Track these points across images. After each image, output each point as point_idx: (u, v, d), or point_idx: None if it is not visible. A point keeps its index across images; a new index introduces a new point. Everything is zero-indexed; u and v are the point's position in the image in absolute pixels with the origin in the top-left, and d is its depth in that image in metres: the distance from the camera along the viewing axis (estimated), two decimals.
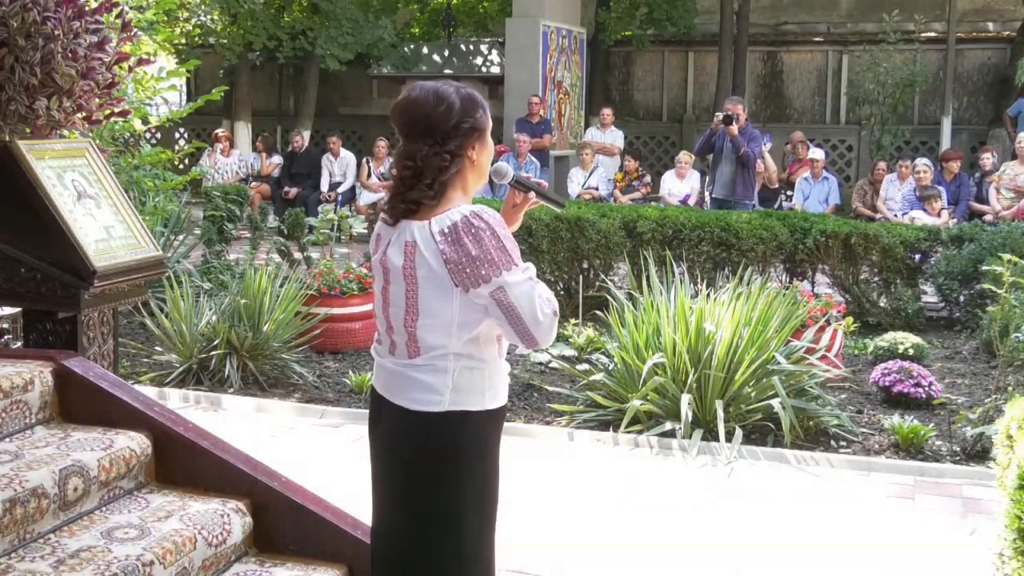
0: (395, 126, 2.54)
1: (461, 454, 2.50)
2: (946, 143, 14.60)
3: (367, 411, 6.16)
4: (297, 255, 8.85)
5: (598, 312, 7.07)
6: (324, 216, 9.42)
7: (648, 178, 13.25)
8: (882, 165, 12.42)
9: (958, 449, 5.27)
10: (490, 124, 2.58)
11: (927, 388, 5.89)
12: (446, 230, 2.42)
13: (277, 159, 14.67)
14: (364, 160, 14.11)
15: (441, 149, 2.46)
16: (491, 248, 2.41)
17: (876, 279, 8.22)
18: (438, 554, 2.52)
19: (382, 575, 2.64)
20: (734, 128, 9.61)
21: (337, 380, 6.44)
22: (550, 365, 6.61)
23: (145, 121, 7.45)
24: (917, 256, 8.12)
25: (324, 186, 13.91)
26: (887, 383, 5.98)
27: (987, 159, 11.73)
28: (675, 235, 8.12)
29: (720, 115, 9.76)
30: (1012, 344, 5.53)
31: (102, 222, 3.79)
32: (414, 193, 2.47)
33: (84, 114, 3.88)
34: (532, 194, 2.74)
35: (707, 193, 10.80)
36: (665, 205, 10.84)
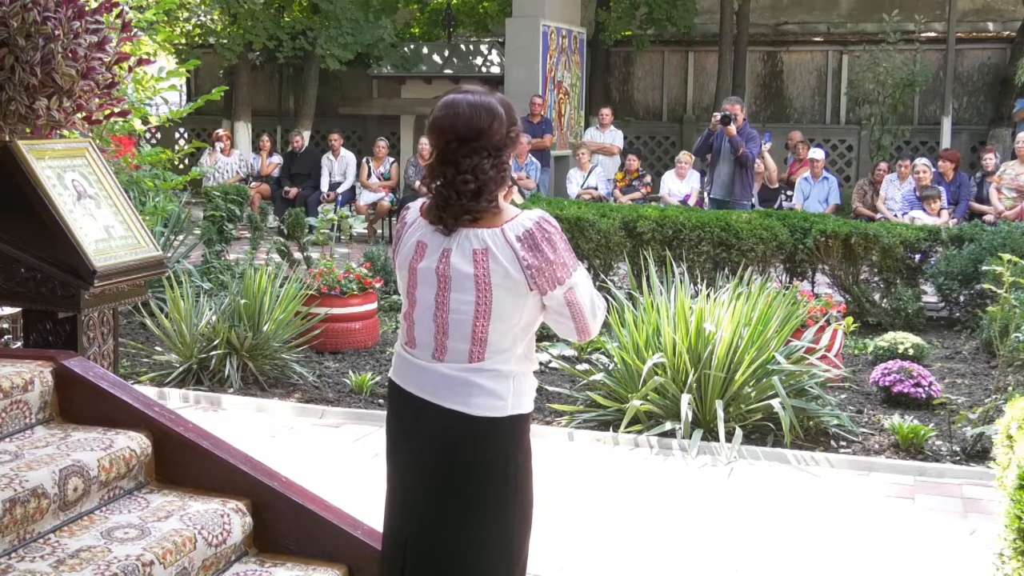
0: (440, 140, 2.53)
1: (516, 456, 2.61)
2: (946, 143, 14.61)
3: (367, 411, 6.18)
4: (297, 255, 8.85)
5: None
6: (324, 216, 9.42)
7: (648, 178, 13.26)
8: (883, 166, 12.42)
9: (958, 449, 5.28)
10: None
11: (927, 388, 5.89)
12: (521, 236, 2.50)
13: (277, 159, 14.67)
14: (364, 160, 14.11)
15: (498, 161, 2.54)
16: (562, 250, 2.53)
17: (876, 279, 8.22)
18: (488, 555, 2.57)
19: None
20: (732, 128, 9.60)
21: (337, 380, 6.44)
22: (550, 365, 6.61)
23: (145, 121, 7.44)
24: (917, 256, 8.13)
25: (324, 186, 13.91)
26: (887, 383, 5.98)
27: (990, 159, 11.73)
28: (675, 235, 8.13)
29: (718, 115, 9.74)
30: (1012, 344, 5.53)
31: (102, 222, 3.79)
32: (480, 204, 2.51)
33: (84, 114, 3.88)
34: (515, 188, 2.85)
35: (705, 193, 10.79)
36: (665, 205, 10.84)
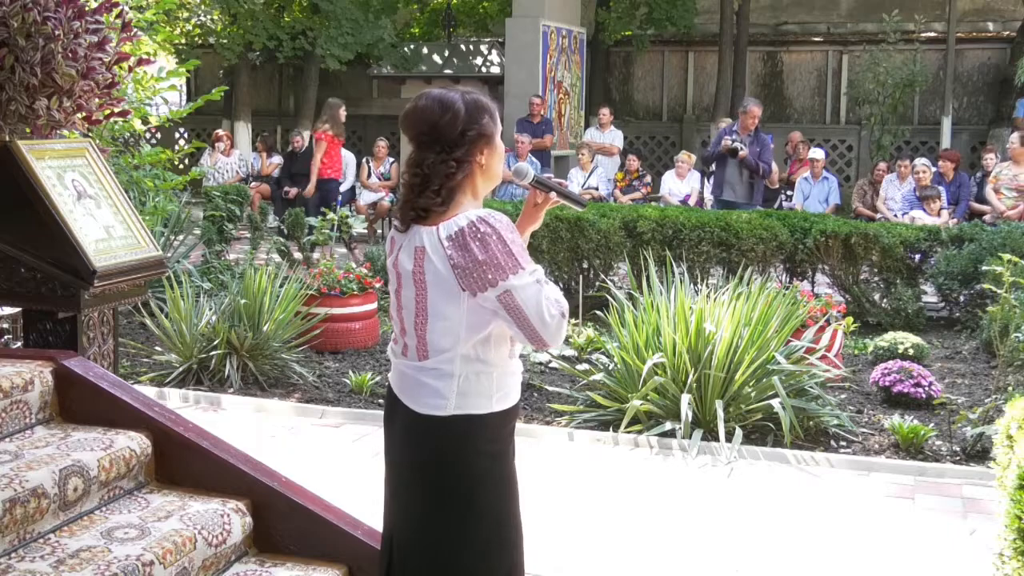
0: (404, 135, 2.57)
1: (469, 457, 2.52)
2: (946, 143, 14.62)
3: (367, 411, 6.20)
4: (297, 255, 8.85)
5: (598, 312, 7.07)
6: (324, 216, 9.41)
7: (648, 178, 13.26)
8: (882, 166, 12.43)
9: (958, 449, 5.27)
10: (498, 128, 2.60)
11: (927, 388, 5.89)
12: (453, 235, 2.45)
13: (277, 159, 14.66)
14: (364, 160, 14.10)
15: (448, 157, 2.49)
16: (497, 252, 2.43)
17: (876, 279, 8.22)
18: (456, 558, 2.53)
19: None
20: (743, 153, 9.60)
21: (337, 380, 6.44)
22: (550, 365, 6.61)
23: (145, 121, 7.44)
24: (917, 256, 8.13)
25: None
26: (887, 383, 5.98)
27: (990, 159, 11.74)
28: (675, 235, 8.12)
29: (728, 141, 9.68)
30: (1012, 344, 5.53)
31: (102, 222, 3.79)
32: (423, 200, 2.50)
33: (84, 114, 3.88)
34: (553, 194, 2.74)
35: (710, 194, 10.75)
36: (665, 205, 10.84)
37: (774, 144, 12.68)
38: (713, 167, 10.32)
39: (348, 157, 14.11)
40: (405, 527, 2.60)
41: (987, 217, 10.64)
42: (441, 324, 2.49)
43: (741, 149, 9.59)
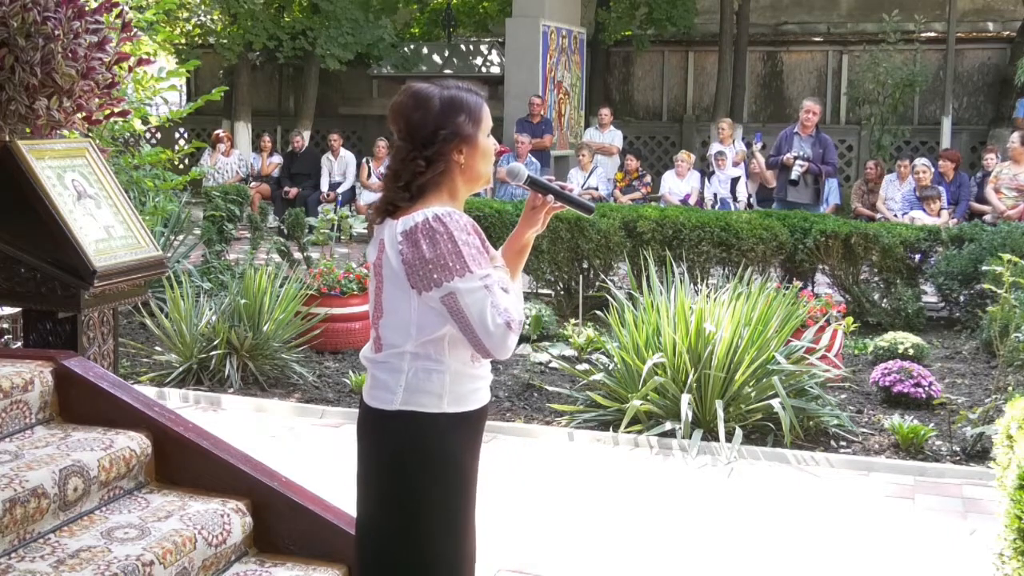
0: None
1: (415, 455, 2.46)
2: (946, 143, 14.62)
3: None
4: (297, 255, 8.85)
5: (598, 312, 7.07)
6: (324, 216, 9.43)
7: (648, 178, 13.27)
8: (871, 164, 12.46)
9: (958, 449, 5.28)
10: (481, 127, 2.52)
11: (927, 388, 5.89)
12: (408, 230, 2.41)
13: (277, 159, 14.67)
14: (364, 160, 14.12)
15: (418, 153, 2.45)
16: (445, 252, 2.37)
17: (876, 279, 8.22)
18: (399, 554, 2.50)
19: (359, 571, 2.64)
20: (804, 167, 9.64)
21: (337, 380, 6.44)
22: (550, 365, 6.61)
23: (145, 121, 7.44)
24: (917, 256, 8.13)
25: (324, 186, 13.92)
26: (887, 383, 5.98)
27: (991, 159, 11.75)
28: (675, 235, 8.12)
29: (790, 158, 9.69)
30: (1012, 344, 5.53)
31: (102, 222, 3.79)
32: (390, 194, 2.49)
33: (84, 114, 3.88)
34: (550, 197, 2.64)
35: (775, 195, 10.65)
36: (665, 205, 10.83)
37: (763, 142, 12.69)
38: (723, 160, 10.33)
39: (348, 157, 14.14)
40: (359, 516, 2.60)
41: (987, 217, 10.64)
42: (393, 319, 2.47)
43: (800, 168, 9.62)
